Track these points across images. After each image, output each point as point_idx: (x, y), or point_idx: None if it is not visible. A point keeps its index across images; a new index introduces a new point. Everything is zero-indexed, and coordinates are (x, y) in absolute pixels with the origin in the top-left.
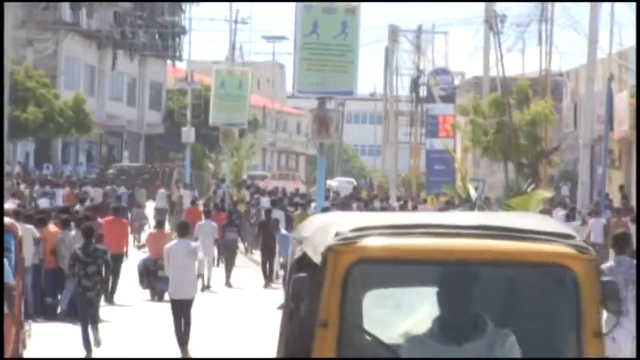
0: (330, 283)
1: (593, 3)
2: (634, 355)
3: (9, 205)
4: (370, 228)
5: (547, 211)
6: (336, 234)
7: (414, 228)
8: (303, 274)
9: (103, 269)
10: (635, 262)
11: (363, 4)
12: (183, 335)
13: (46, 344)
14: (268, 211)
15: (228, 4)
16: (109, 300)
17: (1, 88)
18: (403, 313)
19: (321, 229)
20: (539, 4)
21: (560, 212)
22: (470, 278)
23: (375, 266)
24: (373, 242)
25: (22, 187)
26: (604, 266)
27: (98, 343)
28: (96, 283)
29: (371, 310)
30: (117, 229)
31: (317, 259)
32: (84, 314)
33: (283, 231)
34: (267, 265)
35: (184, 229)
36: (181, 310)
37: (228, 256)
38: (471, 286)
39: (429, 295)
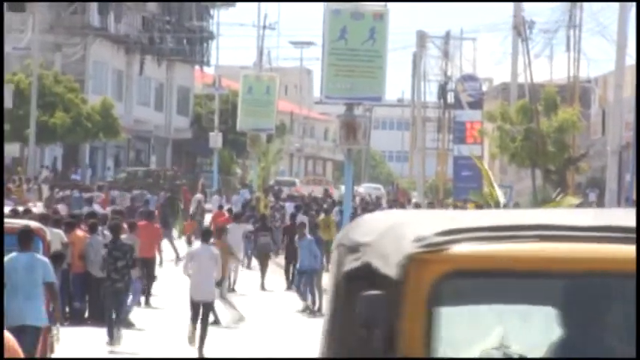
0: (413, 303)
1: (621, 9)
2: None
3: (36, 209)
4: (463, 230)
5: None
6: (417, 239)
7: (521, 230)
8: (376, 292)
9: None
10: None
11: (391, 10)
12: (200, 336)
13: (74, 348)
14: (293, 216)
15: (256, 10)
16: (147, 303)
17: (1, 87)
18: (480, 332)
19: (390, 232)
20: (567, 10)
21: None
22: (603, 295)
23: (472, 281)
24: (470, 249)
25: (48, 190)
26: None
27: (118, 341)
28: (124, 275)
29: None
30: (149, 233)
31: (390, 271)
32: (110, 304)
33: (309, 236)
34: (291, 269)
35: (208, 235)
36: (199, 312)
37: (261, 259)
38: (605, 305)
39: (505, 311)
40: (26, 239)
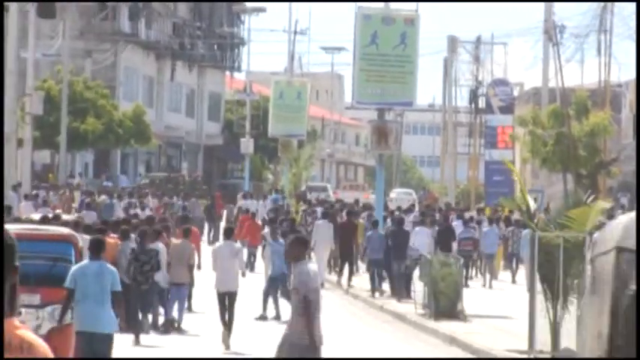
0: None
1: None
2: None
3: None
4: None
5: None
6: None
7: None
8: None
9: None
10: None
11: (421, 15)
12: (227, 322)
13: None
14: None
15: (287, 15)
16: (189, 309)
17: (1, 87)
18: None
19: None
20: (597, 14)
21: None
22: None
23: None
24: None
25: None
26: None
27: (147, 330)
28: (148, 278)
29: None
30: (193, 238)
31: None
32: (135, 303)
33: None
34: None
35: (229, 233)
36: (225, 301)
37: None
38: None
39: None
40: (97, 248)
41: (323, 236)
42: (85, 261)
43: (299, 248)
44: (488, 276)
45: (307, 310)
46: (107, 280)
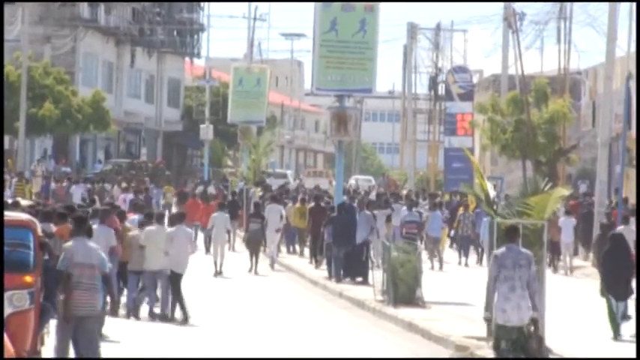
0: None
1: (611, 1)
2: (519, 321)
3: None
4: None
5: (574, 207)
6: None
7: None
8: None
9: None
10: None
11: (381, 1)
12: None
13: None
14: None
15: (246, 1)
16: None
17: (1, 87)
18: None
19: None
20: (557, 2)
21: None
22: None
23: None
24: None
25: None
26: (497, 251)
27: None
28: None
29: None
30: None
31: None
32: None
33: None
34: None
35: (182, 217)
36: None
37: (253, 246)
38: None
39: None
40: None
41: (272, 219)
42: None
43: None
44: (436, 261)
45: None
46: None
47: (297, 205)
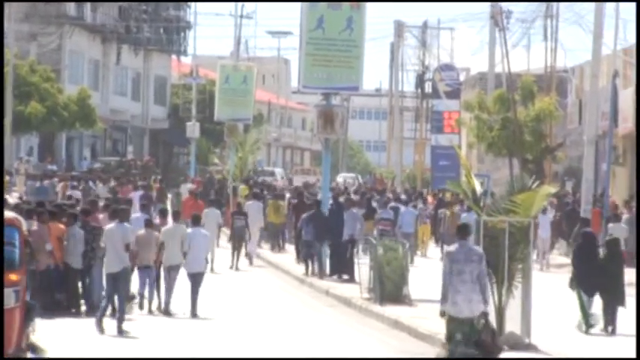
0: None
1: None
2: (470, 313)
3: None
4: None
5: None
6: None
7: None
8: None
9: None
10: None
11: None
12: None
13: (51, 340)
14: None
15: None
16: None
17: (1, 87)
18: None
19: None
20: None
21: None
22: None
23: None
24: None
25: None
26: (449, 248)
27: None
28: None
29: None
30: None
31: None
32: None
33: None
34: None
35: (177, 216)
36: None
37: (236, 242)
38: None
39: None
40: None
41: (253, 215)
42: None
43: None
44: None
45: None
46: None
47: (271, 200)
